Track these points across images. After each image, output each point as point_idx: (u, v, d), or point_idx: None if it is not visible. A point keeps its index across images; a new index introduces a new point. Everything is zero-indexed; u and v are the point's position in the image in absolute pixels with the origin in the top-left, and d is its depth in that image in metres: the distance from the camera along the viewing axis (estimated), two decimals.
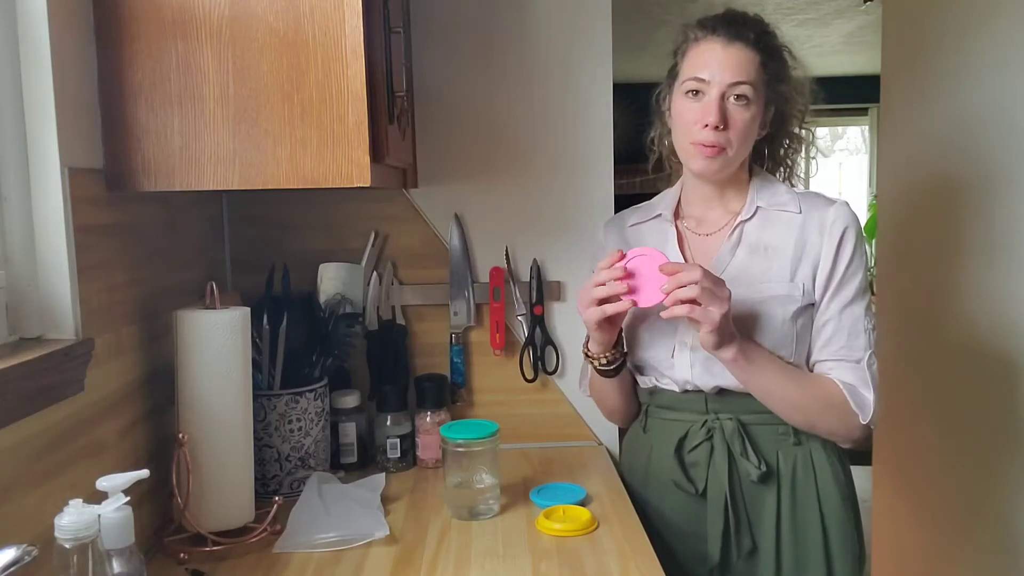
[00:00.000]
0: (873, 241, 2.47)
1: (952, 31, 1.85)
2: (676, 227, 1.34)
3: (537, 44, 1.61)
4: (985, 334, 1.74)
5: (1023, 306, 1.63)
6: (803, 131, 1.34)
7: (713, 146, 1.21)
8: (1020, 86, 1.62)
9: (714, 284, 1.13)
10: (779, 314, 1.22)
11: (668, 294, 1.14)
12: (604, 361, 1.29)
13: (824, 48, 6.32)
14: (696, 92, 1.22)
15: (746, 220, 1.28)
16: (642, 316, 1.30)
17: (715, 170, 1.24)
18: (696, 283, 1.12)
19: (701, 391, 1.27)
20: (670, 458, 1.29)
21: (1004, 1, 1.67)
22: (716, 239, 1.30)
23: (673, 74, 1.30)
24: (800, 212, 1.26)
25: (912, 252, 2.07)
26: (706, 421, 1.27)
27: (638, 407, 1.40)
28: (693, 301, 1.12)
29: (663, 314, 1.15)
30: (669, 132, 1.34)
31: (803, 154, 1.37)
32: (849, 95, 7.65)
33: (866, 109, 7.88)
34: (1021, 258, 1.63)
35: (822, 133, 9.91)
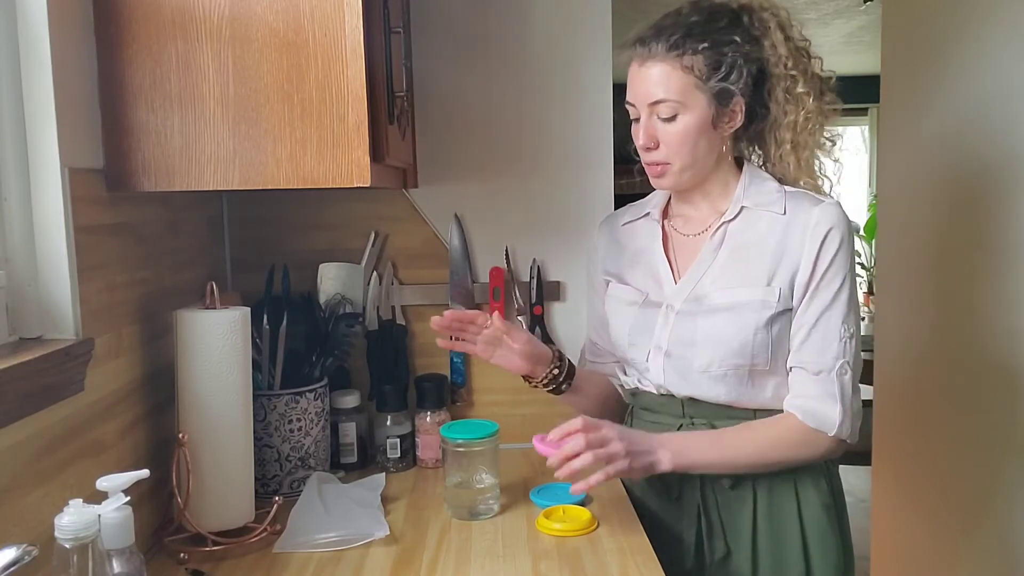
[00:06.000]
0: (873, 241, 2.46)
1: (952, 31, 1.85)
2: (663, 227, 1.33)
3: (537, 44, 1.61)
4: (985, 334, 1.74)
5: (1022, 306, 1.63)
6: (787, 109, 1.22)
7: (655, 164, 1.22)
8: (1020, 86, 1.62)
9: (600, 441, 1.11)
10: (753, 321, 1.18)
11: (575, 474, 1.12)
12: (536, 385, 1.31)
13: (824, 48, 6.30)
14: (633, 116, 1.24)
15: (730, 220, 1.25)
16: (627, 314, 1.30)
17: (670, 185, 1.25)
18: (585, 450, 1.10)
19: (675, 396, 1.26)
20: None
21: (1004, 1, 1.67)
22: (700, 240, 1.28)
23: None
24: (784, 213, 1.21)
25: (912, 252, 2.07)
26: (682, 425, 1.26)
27: (610, 412, 1.40)
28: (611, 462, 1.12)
29: (573, 489, 1.14)
30: None
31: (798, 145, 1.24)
32: (849, 95, 7.63)
33: (866, 109, 7.88)
34: (1020, 258, 1.63)
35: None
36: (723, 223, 1.25)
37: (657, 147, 1.20)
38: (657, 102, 1.18)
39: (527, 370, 1.28)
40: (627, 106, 1.23)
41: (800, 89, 1.21)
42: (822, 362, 1.18)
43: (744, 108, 1.21)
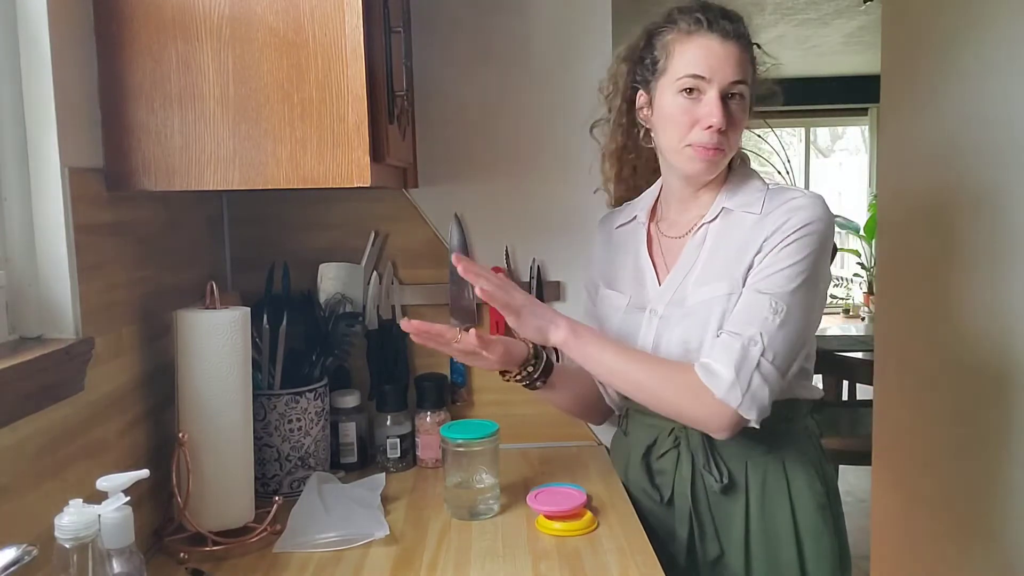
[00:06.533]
0: (873, 241, 2.46)
1: (952, 31, 1.85)
2: (648, 230, 1.33)
3: (537, 44, 1.61)
4: (985, 333, 1.74)
5: (1022, 306, 1.63)
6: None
7: (716, 148, 1.17)
8: (1020, 86, 1.62)
9: (506, 284, 1.19)
10: (719, 317, 1.17)
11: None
12: (509, 380, 1.29)
13: (824, 48, 6.33)
14: (691, 90, 1.16)
15: (709, 221, 1.24)
16: (615, 319, 1.30)
17: (714, 172, 1.22)
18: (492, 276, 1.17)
19: None
20: (638, 464, 1.30)
21: (1004, 1, 1.67)
22: (684, 241, 1.27)
23: (653, 68, 1.22)
24: (760, 213, 1.20)
25: (912, 252, 2.07)
26: (673, 429, 1.25)
27: (589, 409, 1.41)
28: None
29: (479, 292, 1.16)
30: (643, 132, 1.28)
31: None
32: (849, 95, 7.67)
33: (866, 109, 7.91)
34: (1020, 257, 1.63)
35: (823, 133, 9.96)
36: (703, 224, 1.24)
37: (727, 129, 1.16)
38: (739, 81, 1.16)
39: (502, 368, 1.28)
40: (689, 79, 1.16)
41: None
42: (736, 328, 1.14)
43: None
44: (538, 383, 1.29)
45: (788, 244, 1.15)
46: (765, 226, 1.18)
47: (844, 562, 1.26)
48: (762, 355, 1.12)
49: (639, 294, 1.29)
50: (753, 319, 1.13)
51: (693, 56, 1.17)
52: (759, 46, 1.23)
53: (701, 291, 1.20)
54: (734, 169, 1.27)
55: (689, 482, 1.24)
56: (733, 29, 1.17)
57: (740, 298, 1.16)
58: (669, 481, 1.27)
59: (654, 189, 1.36)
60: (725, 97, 1.16)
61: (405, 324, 1.19)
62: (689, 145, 1.18)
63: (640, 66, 1.25)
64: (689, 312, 1.20)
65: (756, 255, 1.17)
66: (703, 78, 1.16)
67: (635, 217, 1.35)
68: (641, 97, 1.26)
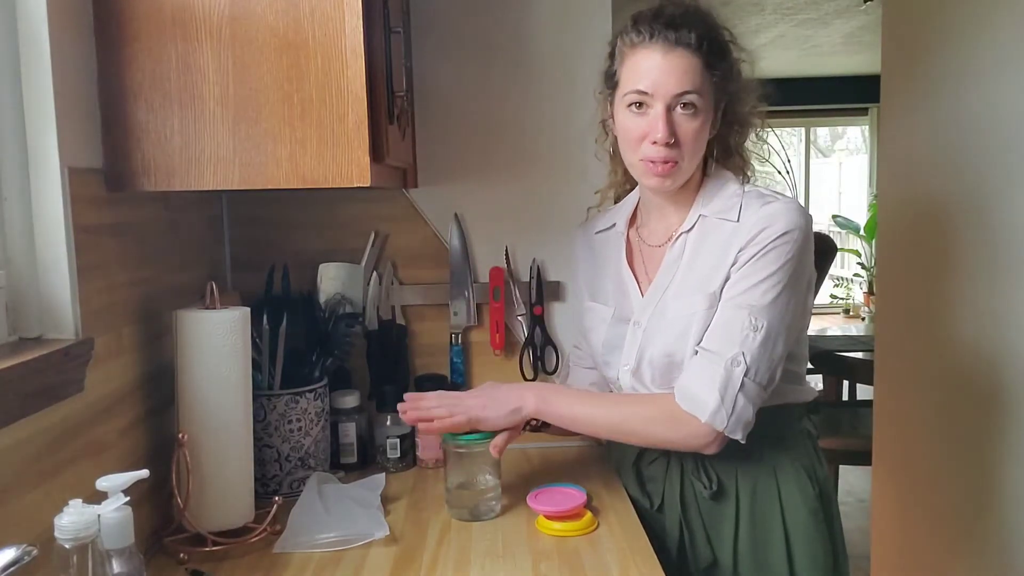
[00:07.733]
0: (873, 241, 2.46)
1: (952, 31, 1.85)
2: (628, 238, 1.31)
3: (537, 44, 1.61)
4: (985, 333, 1.74)
5: (1021, 305, 1.63)
6: (752, 123, 1.24)
7: (666, 162, 1.14)
8: (1020, 86, 1.62)
9: (452, 399, 1.24)
10: (700, 331, 1.16)
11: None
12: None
13: (824, 48, 6.34)
14: (640, 104, 1.14)
15: (687, 231, 1.22)
16: (601, 331, 1.30)
17: (670, 185, 1.18)
18: (432, 406, 1.22)
19: None
20: (630, 470, 1.30)
21: (1004, 1, 1.67)
22: (663, 250, 1.25)
23: (611, 81, 1.21)
24: (738, 220, 1.17)
25: (912, 252, 2.07)
26: None
27: None
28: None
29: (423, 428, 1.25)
30: (616, 140, 1.26)
31: (754, 142, 1.27)
32: (849, 95, 7.67)
33: (866, 109, 7.92)
34: (1020, 257, 1.63)
35: (823, 133, 9.97)
36: (681, 234, 1.23)
37: (676, 142, 1.13)
38: (684, 93, 1.12)
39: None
40: (633, 95, 1.15)
41: (758, 106, 1.23)
42: (716, 347, 1.13)
43: (718, 121, 1.20)
44: (543, 430, 1.32)
45: (763, 255, 1.13)
46: (740, 236, 1.15)
47: (839, 564, 1.25)
48: (745, 375, 1.11)
49: (623, 305, 1.28)
50: (733, 337, 1.12)
51: (636, 71, 1.15)
52: (725, 46, 1.18)
53: (680, 303, 1.19)
54: (709, 174, 1.24)
55: (678, 489, 1.24)
56: (676, 38, 1.12)
57: (717, 313, 1.15)
58: (659, 488, 1.27)
59: (634, 195, 1.34)
60: (672, 109, 1.13)
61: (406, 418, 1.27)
62: (642, 160, 1.16)
63: (607, 80, 1.24)
64: (671, 323, 1.19)
65: (732, 267, 1.15)
66: (646, 93, 1.14)
67: (614, 225, 1.34)
68: (607, 108, 1.25)
